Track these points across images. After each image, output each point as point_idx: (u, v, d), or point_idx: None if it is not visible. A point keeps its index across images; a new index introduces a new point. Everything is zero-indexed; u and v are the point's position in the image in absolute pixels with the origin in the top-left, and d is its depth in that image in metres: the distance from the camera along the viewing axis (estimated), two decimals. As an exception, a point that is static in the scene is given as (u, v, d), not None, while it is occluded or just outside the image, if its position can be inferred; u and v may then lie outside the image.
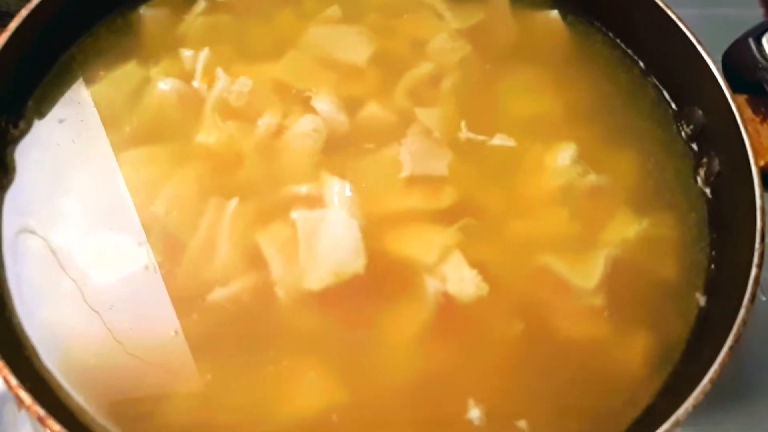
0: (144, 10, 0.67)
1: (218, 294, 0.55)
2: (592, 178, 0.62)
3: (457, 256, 0.58)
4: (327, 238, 0.57)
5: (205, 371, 0.53)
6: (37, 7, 0.60)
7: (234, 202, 0.58)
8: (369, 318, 0.55)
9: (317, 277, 0.56)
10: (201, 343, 0.54)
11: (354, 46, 0.67)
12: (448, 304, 0.56)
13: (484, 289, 0.57)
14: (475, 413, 0.53)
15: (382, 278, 0.57)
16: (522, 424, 0.53)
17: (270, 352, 0.54)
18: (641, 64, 0.68)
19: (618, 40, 0.69)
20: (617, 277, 0.58)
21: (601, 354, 0.56)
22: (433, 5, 0.70)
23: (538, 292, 0.57)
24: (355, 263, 0.57)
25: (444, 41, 0.68)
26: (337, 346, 0.55)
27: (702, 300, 0.59)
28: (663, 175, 0.63)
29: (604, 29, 0.70)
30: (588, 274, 0.58)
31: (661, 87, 0.67)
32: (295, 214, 0.58)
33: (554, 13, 0.70)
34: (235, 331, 0.55)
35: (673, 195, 0.62)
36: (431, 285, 0.57)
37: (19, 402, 0.48)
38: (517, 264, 0.58)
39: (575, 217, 0.60)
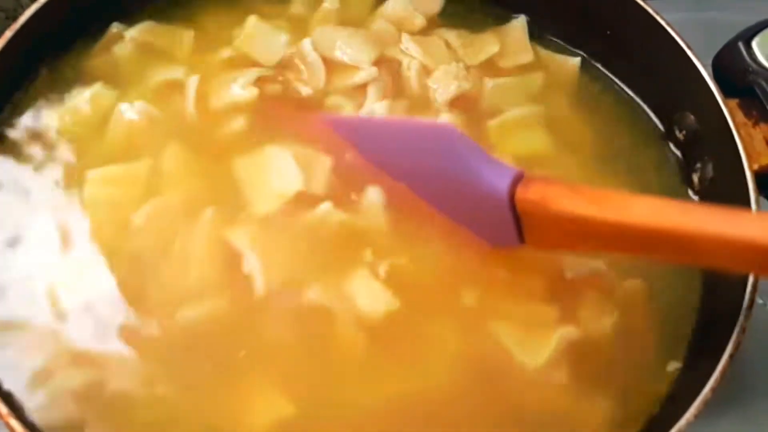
0: (117, 30, 0.65)
1: (190, 310, 0.53)
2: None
3: None
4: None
5: (168, 382, 0.52)
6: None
7: (210, 212, 0.57)
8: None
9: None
10: (168, 356, 0.53)
11: None
12: None
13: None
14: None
15: None
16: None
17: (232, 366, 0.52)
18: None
19: (606, 45, 0.69)
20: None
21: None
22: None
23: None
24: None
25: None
26: (290, 360, 0.53)
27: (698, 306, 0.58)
28: (655, 180, 0.63)
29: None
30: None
31: (651, 92, 0.67)
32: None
33: (575, 60, 0.68)
34: (204, 345, 0.53)
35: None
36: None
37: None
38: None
39: None
